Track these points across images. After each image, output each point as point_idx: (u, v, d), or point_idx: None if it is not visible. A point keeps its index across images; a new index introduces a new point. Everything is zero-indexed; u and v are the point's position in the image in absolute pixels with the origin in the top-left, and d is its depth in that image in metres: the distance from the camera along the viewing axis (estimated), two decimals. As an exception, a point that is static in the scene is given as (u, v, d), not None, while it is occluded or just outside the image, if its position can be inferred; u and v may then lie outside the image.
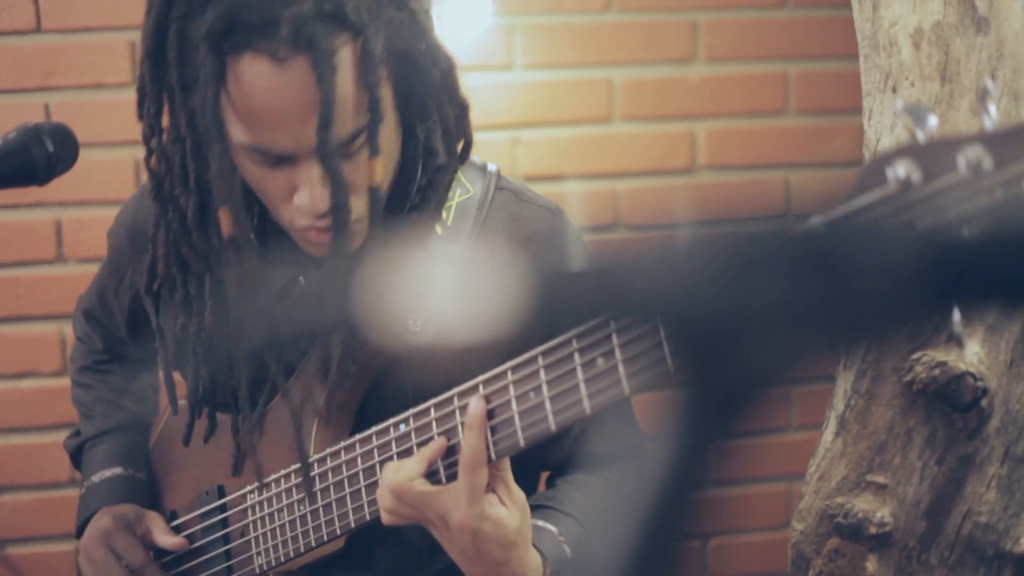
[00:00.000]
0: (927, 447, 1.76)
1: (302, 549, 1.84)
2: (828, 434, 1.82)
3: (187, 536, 2.06)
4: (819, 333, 0.45)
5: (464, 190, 1.88)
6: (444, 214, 1.82)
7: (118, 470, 2.21)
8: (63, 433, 2.97)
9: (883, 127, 1.71)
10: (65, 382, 3.11)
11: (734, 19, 2.98)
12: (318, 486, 1.81)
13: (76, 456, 2.32)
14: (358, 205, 1.67)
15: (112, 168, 3.12)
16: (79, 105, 3.20)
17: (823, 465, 1.83)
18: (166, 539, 2.06)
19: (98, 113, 3.14)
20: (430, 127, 1.77)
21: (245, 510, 1.95)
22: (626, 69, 3.06)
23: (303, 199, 1.64)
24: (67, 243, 3.22)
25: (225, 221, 1.70)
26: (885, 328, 0.44)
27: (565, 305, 0.45)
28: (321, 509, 1.82)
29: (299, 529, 1.84)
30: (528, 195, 1.94)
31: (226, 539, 1.99)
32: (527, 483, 1.92)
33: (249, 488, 1.95)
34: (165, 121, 1.72)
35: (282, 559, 1.88)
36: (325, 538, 1.81)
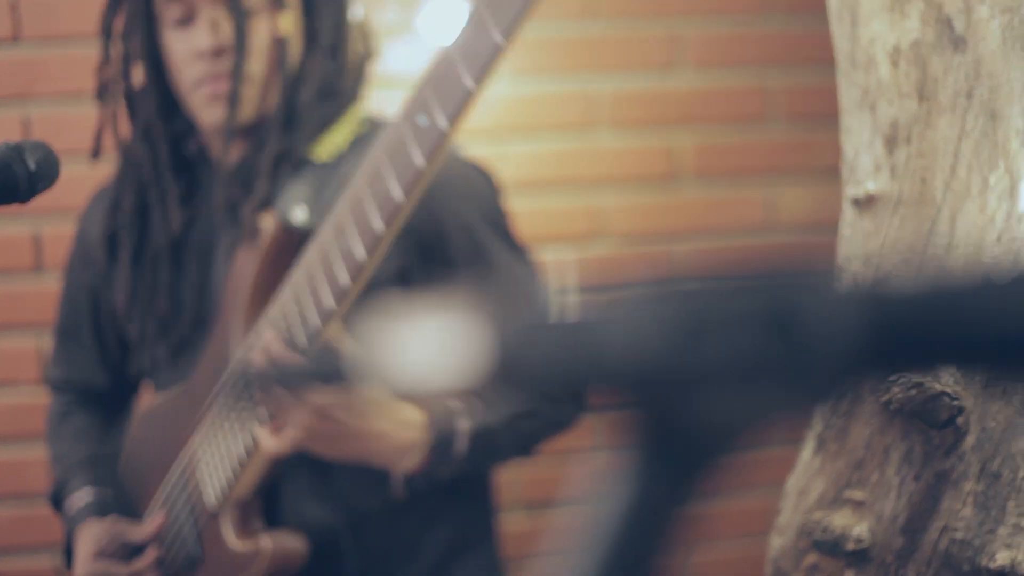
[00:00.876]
0: (904, 464, 1.77)
1: (236, 461, 1.87)
2: (807, 452, 1.83)
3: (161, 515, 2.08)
4: (776, 394, 0.46)
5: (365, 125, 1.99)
6: (338, 143, 1.96)
7: (88, 493, 2.23)
8: (42, 444, 2.97)
9: (861, 144, 1.72)
10: (44, 394, 3.11)
11: (714, 32, 2.99)
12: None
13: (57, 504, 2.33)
14: (257, 66, 1.92)
15: (92, 179, 3.12)
16: (59, 116, 3.20)
17: (802, 481, 1.84)
18: (139, 531, 2.08)
19: (78, 123, 3.14)
20: (335, 47, 1.95)
21: (193, 461, 1.98)
22: (607, 80, 3.07)
23: (201, 35, 1.91)
24: (46, 254, 3.21)
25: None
26: (837, 389, 0.45)
27: (524, 364, 0.45)
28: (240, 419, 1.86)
29: (231, 442, 1.87)
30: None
31: (188, 497, 2.01)
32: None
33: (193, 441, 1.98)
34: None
35: (225, 482, 1.90)
36: (251, 443, 1.85)
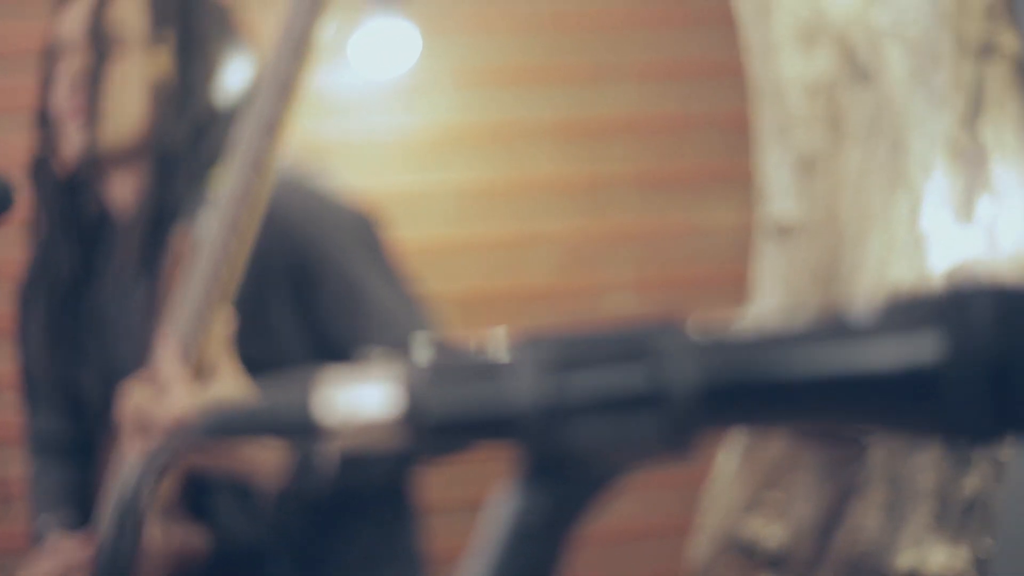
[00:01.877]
0: (816, 471, 1.87)
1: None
2: (724, 458, 1.93)
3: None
4: (644, 429, 0.54)
5: None
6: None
7: (47, 519, 2.27)
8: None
9: (774, 173, 1.82)
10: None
11: (632, 62, 3.06)
12: None
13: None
14: (119, 102, 1.95)
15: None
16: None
17: (719, 488, 1.94)
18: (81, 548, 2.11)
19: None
20: (215, 81, 1.97)
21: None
22: (539, 102, 3.14)
23: (63, 67, 1.96)
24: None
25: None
26: (692, 433, 0.53)
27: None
28: None
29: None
30: (306, 185, 2.05)
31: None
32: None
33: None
34: None
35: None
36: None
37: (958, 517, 1.84)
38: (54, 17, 2.00)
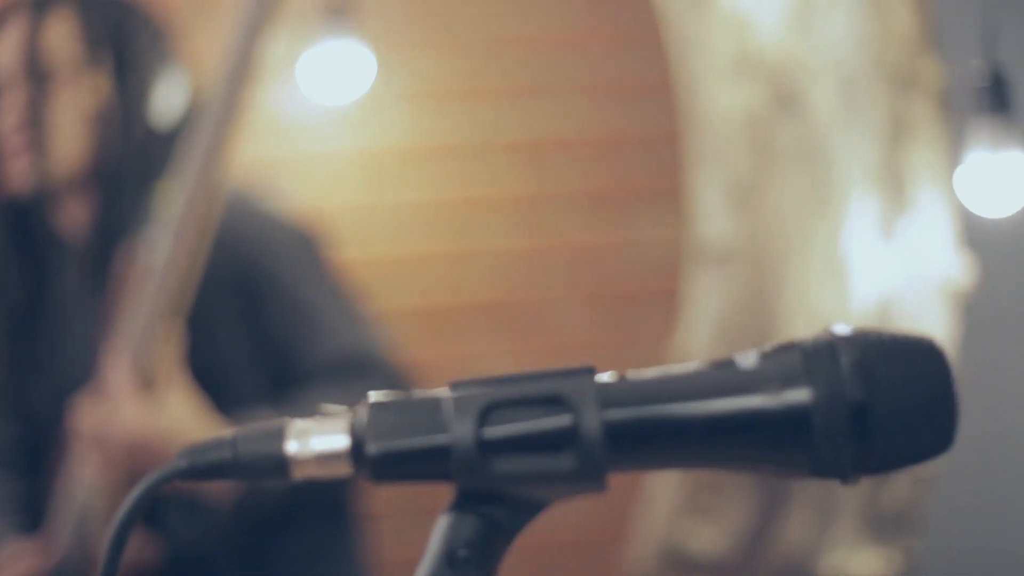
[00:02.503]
0: (750, 480, 1.96)
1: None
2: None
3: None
4: (565, 464, 0.63)
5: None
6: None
7: None
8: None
9: (705, 201, 1.92)
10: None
11: (577, 82, 3.12)
12: None
13: None
14: (62, 133, 1.96)
15: None
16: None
17: (657, 493, 2.04)
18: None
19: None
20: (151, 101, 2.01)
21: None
22: (479, 123, 3.19)
23: (5, 101, 1.94)
24: None
25: None
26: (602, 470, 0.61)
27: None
28: None
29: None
30: (251, 205, 2.12)
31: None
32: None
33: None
34: None
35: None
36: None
37: (882, 522, 1.95)
38: None
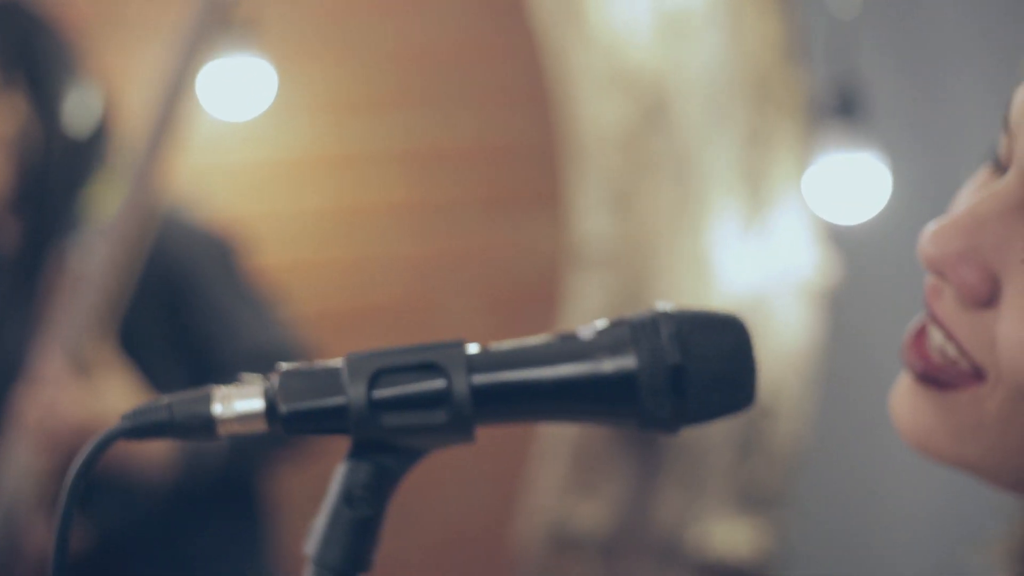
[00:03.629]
0: (629, 456, 2.12)
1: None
2: (546, 442, 2.18)
3: None
4: (439, 421, 0.76)
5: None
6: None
7: None
8: None
9: (584, 209, 2.08)
10: None
11: (470, 92, 3.21)
12: None
13: None
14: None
15: None
16: None
17: (541, 471, 2.18)
18: None
19: None
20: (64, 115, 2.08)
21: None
22: (381, 128, 3.29)
23: None
24: None
25: None
26: (470, 424, 0.75)
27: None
28: None
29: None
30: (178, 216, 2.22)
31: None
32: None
33: None
34: None
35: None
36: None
37: (748, 497, 2.11)
38: None
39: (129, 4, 2.85)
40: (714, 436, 2.05)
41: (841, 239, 2.13)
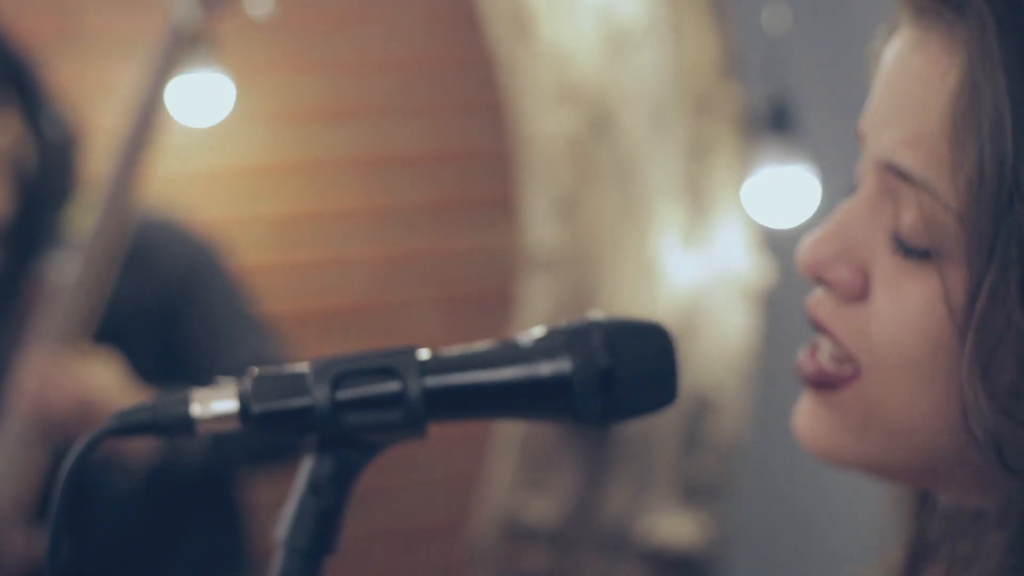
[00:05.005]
0: (578, 452, 2.21)
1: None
2: (500, 441, 2.27)
3: None
4: (395, 418, 0.85)
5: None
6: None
7: None
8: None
9: (533, 216, 2.17)
10: None
11: (424, 100, 3.27)
12: None
13: None
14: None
15: None
16: None
17: (495, 474, 2.28)
18: None
19: None
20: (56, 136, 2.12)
21: None
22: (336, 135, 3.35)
23: None
24: None
25: None
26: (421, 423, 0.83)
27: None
28: None
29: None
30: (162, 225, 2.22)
31: None
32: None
33: None
34: None
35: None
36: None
37: (692, 491, 2.21)
38: None
39: (87, 18, 2.89)
40: (659, 432, 2.15)
41: (775, 244, 2.23)
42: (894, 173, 0.80)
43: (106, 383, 1.98)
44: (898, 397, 0.81)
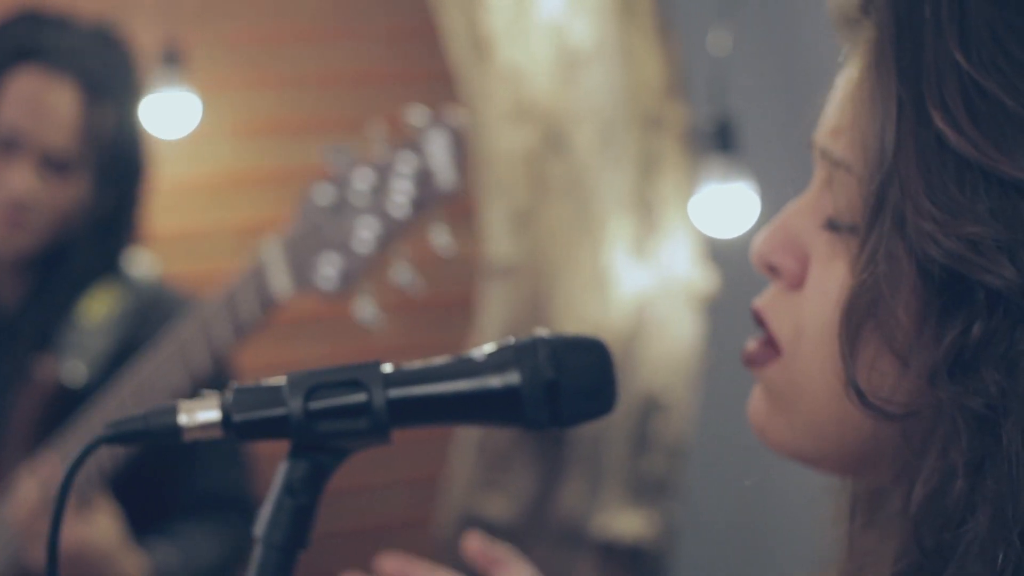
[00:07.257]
0: (533, 453, 2.31)
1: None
2: (459, 444, 2.36)
3: None
4: (363, 427, 0.93)
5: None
6: (107, 308, 2.10)
7: None
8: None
9: (491, 228, 2.26)
10: None
11: (384, 114, 3.33)
12: None
13: None
14: (46, 224, 2.03)
15: None
16: None
17: (456, 474, 2.37)
18: None
19: None
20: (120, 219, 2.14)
21: None
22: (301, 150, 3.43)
23: (16, 178, 1.99)
24: None
25: None
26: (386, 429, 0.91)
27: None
28: None
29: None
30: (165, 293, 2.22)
31: None
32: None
33: None
34: None
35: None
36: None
37: (642, 488, 2.31)
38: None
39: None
40: (611, 432, 2.25)
41: (719, 255, 2.34)
42: (828, 160, 0.87)
43: (104, 539, 1.95)
44: (819, 370, 0.85)
